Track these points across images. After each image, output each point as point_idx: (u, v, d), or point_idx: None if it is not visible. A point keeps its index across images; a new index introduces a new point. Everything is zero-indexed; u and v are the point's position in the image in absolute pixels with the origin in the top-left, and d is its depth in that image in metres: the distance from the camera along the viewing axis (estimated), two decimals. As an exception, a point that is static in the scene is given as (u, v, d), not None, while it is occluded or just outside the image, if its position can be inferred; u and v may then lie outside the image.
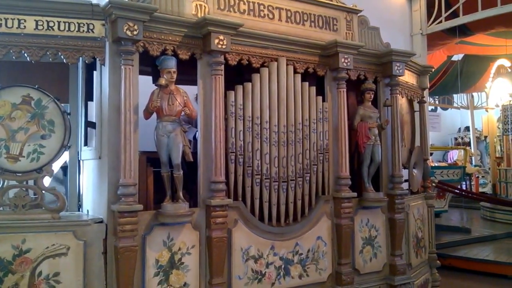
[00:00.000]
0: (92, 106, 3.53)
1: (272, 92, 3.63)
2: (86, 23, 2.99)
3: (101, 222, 3.00)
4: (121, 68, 2.97)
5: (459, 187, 10.49)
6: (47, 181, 3.16)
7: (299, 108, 3.74)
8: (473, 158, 16.14)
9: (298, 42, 3.78)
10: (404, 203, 4.33)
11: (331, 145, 3.94)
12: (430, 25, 8.36)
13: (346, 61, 3.87)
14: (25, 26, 2.86)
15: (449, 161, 16.57)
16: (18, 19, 2.84)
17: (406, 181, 4.67)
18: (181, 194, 3.15)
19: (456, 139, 19.59)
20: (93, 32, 3.00)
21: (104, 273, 2.94)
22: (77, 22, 2.97)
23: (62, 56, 2.95)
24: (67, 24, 2.94)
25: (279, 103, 3.65)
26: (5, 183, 2.88)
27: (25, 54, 2.87)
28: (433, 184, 7.25)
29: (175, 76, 3.17)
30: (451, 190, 9.40)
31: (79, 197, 3.74)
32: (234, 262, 3.37)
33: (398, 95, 4.38)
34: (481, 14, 7.66)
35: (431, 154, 10.32)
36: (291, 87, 3.72)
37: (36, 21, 2.88)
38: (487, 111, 13.66)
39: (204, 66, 3.34)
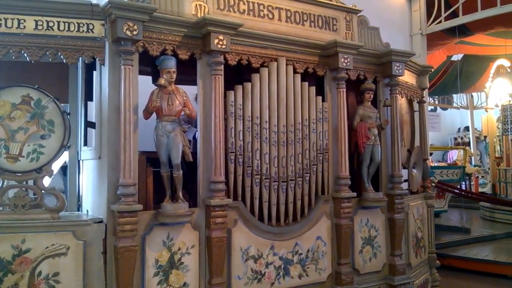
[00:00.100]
0: (92, 106, 3.53)
1: (271, 92, 3.63)
2: (86, 23, 2.99)
3: (101, 222, 3.00)
4: (121, 68, 2.97)
5: (458, 187, 10.49)
6: (47, 181, 3.16)
7: (298, 108, 3.75)
8: (472, 158, 16.15)
9: (297, 42, 3.78)
10: (403, 203, 4.33)
11: (331, 145, 3.94)
12: (430, 25, 8.37)
13: (345, 61, 3.87)
14: (24, 26, 2.86)
15: (448, 161, 16.58)
16: (17, 19, 2.84)
17: (405, 181, 4.67)
18: (180, 194, 3.15)
19: (455, 139, 19.61)
20: (92, 32, 3.00)
21: (103, 273, 2.94)
22: (77, 22, 2.97)
23: (61, 56, 2.95)
24: (66, 24, 2.94)
25: (279, 103, 3.65)
26: (5, 183, 2.88)
27: (25, 54, 2.87)
28: (433, 184, 7.25)
29: (174, 76, 3.17)
30: (451, 190, 9.41)
31: (79, 197, 3.74)
32: (233, 262, 3.37)
33: (398, 95, 4.38)
34: (481, 14, 7.66)
35: (431, 154, 10.32)
36: (290, 87, 3.72)
37: (36, 21, 2.88)
38: (486, 111, 13.66)
39: (204, 66, 3.34)
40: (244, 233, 3.43)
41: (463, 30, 9.06)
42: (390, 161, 4.33)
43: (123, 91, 2.95)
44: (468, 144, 17.23)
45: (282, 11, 3.79)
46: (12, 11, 2.83)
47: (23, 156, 2.86)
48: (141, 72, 3.28)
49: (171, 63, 3.14)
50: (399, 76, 4.32)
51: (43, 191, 2.94)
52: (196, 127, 3.54)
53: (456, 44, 10.68)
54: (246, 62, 3.54)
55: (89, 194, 3.41)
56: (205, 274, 3.26)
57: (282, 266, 3.60)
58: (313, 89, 3.87)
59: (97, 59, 3.05)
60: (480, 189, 14.42)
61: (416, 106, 5.30)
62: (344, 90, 3.96)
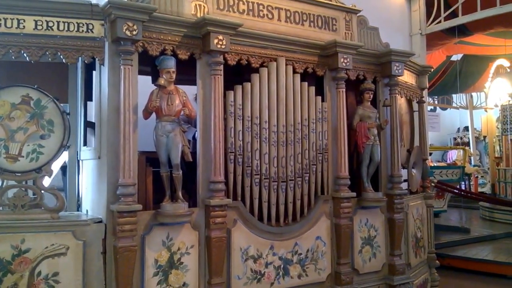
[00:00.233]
0: (92, 106, 3.53)
1: (271, 92, 3.63)
2: (86, 23, 2.99)
3: (100, 222, 3.00)
4: (121, 68, 2.97)
5: (458, 187, 10.49)
6: (46, 181, 3.16)
7: (298, 108, 3.75)
8: (472, 158, 16.15)
9: (297, 42, 3.78)
10: (403, 203, 4.33)
11: (330, 145, 3.94)
12: (429, 25, 8.37)
13: (345, 61, 3.87)
14: (24, 26, 2.85)
15: (448, 161, 16.57)
16: (17, 19, 2.84)
17: (405, 181, 4.67)
18: (180, 194, 3.15)
19: (455, 139, 19.62)
20: (92, 32, 3.00)
21: (103, 273, 2.94)
22: (76, 22, 2.97)
23: (61, 56, 2.95)
24: (66, 24, 2.94)
25: (278, 103, 3.65)
26: (4, 183, 2.88)
27: (25, 54, 2.87)
28: (432, 184, 7.25)
29: (174, 76, 3.17)
30: (450, 190, 9.41)
31: (78, 197, 3.74)
32: (233, 262, 3.37)
33: (397, 95, 4.38)
34: (480, 14, 7.67)
35: (430, 154, 10.32)
36: (290, 87, 3.72)
37: (36, 21, 2.88)
38: (486, 111, 13.67)
39: (204, 66, 3.34)
40: (243, 233, 3.43)
41: (463, 30, 9.07)
42: (390, 161, 4.33)
43: (123, 91, 2.95)
44: (468, 144, 17.24)
45: (281, 11, 3.79)
46: (11, 11, 2.83)
47: (23, 156, 2.86)
48: (141, 72, 3.28)
49: (171, 63, 3.14)
50: (399, 76, 4.32)
51: (42, 191, 2.93)
52: (195, 127, 3.53)
53: (455, 44, 10.70)
54: (246, 62, 3.54)
55: (89, 194, 3.41)
56: (204, 274, 3.26)
57: (282, 266, 3.60)
58: (312, 89, 3.87)
59: (96, 59, 3.05)
60: (480, 189, 14.42)
61: (415, 106, 5.30)
62: (344, 90, 3.97)
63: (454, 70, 12.59)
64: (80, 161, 3.70)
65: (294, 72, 3.77)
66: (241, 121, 3.48)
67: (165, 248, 3.10)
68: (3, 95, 2.86)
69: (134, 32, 2.92)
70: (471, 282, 6.17)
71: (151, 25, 3.09)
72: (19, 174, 2.89)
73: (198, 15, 3.35)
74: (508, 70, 13.42)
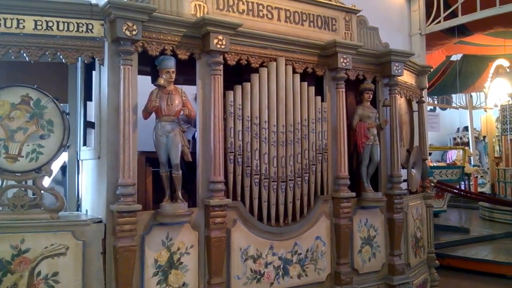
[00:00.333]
0: (91, 106, 3.52)
1: (271, 92, 3.63)
2: (85, 23, 2.99)
3: (100, 222, 3.00)
4: (120, 68, 2.97)
5: (457, 187, 10.49)
6: (46, 181, 3.16)
7: (298, 108, 3.75)
8: (471, 158, 16.16)
9: (297, 42, 3.78)
10: (402, 203, 4.33)
11: (330, 145, 3.94)
12: (429, 25, 8.38)
13: (345, 61, 3.87)
14: (24, 26, 2.86)
15: (448, 161, 16.57)
16: (17, 19, 2.84)
17: (405, 181, 4.67)
18: (180, 194, 3.15)
19: (455, 139, 19.62)
20: (92, 32, 3.00)
21: (103, 273, 2.94)
22: (76, 22, 2.97)
23: (61, 56, 2.95)
24: (66, 24, 2.94)
25: (278, 103, 3.65)
26: (4, 183, 2.88)
27: (24, 54, 2.87)
28: (432, 184, 7.24)
29: (174, 76, 3.17)
30: (450, 190, 9.41)
31: (78, 197, 3.74)
32: (233, 262, 3.37)
33: (397, 95, 4.39)
34: (480, 14, 7.68)
35: (430, 154, 10.34)
36: (290, 87, 3.72)
37: (35, 21, 2.88)
38: (485, 111, 13.67)
39: (203, 66, 3.34)
40: (243, 233, 3.43)
41: (462, 30, 9.08)
42: (389, 161, 4.33)
43: (123, 91, 2.95)
44: (467, 144, 17.26)
45: (281, 11, 3.79)
46: (11, 11, 2.83)
47: (22, 156, 2.86)
48: (141, 72, 3.28)
49: (171, 63, 3.14)
50: (398, 76, 4.32)
51: (42, 191, 2.93)
52: (195, 127, 3.53)
53: (455, 44, 10.70)
54: (246, 62, 3.54)
55: (89, 194, 3.41)
56: (204, 274, 3.26)
57: (282, 266, 3.60)
58: (312, 89, 3.87)
59: (96, 59, 3.05)
60: (479, 189, 14.43)
61: (415, 106, 5.31)
62: (343, 90, 3.97)
63: (454, 70, 12.60)
64: (80, 161, 3.70)
65: (294, 72, 3.77)
66: (240, 121, 3.48)
67: (164, 248, 3.10)
68: (3, 95, 2.86)
69: (134, 32, 2.92)
70: (471, 282, 6.17)
71: (151, 25, 3.09)
72: (19, 174, 2.89)
73: (198, 15, 3.35)
74: (508, 70, 13.42)
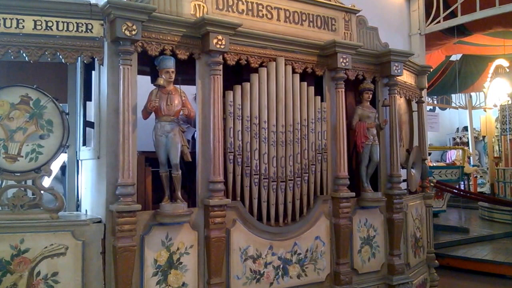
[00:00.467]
0: (91, 106, 3.52)
1: (270, 92, 3.63)
2: (85, 23, 2.99)
3: (100, 222, 3.00)
4: (120, 68, 2.97)
5: (457, 187, 10.50)
6: (46, 181, 3.16)
7: (297, 108, 3.75)
8: (471, 158, 16.16)
9: (296, 42, 3.78)
10: (402, 203, 4.33)
11: (330, 145, 3.94)
12: (429, 25, 8.38)
13: (344, 61, 3.88)
14: (23, 26, 2.85)
15: (447, 161, 16.55)
16: (16, 19, 2.84)
17: (404, 181, 4.68)
18: (179, 194, 3.15)
19: (454, 139, 19.62)
20: (91, 32, 3.00)
21: (102, 273, 2.94)
22: (76, 22, 2.97)
23: (60, 56, 2.95)
24: (65, 24, 2.94)
25: (278, 103, 3.65)
26: (4, 183, 2.88)
27: (24, 54, 2.87)
28: (432, 184, 7.26)
29: (173, 76, 3.17)
30: (450, 190, 9.41)
31: (78, 197, 3.74)
32: (232, 262, 3.37)
33: (397, 95, 4.39)
34: (479, 14, 7.68)
35: (430, 154, 10.34)
36: (289, 87, 3.72)
37: (35, 21, 2.88)
38: (485, 111, 13.69)
39: (203, 66, 3.34)
40: (243, 233, 3.43)
41: (462, 30, 9.08)
42: (389, 161, 4.33)
43: (122, 91, 2.95)
44: (467, 144, 17.26)
45: (281, 11, 3.79)
46: (11, 11, 2.83)
47: (22, 156, 2.86)
48: (140, 72, 3.28)
49: (170, 63, 3.14)
50: (398, 76, 4.32)
51: (42, 191, 2.93)
52: (195, 127, 3.54)
53: (454, 44, 10.70)
54: (245, 62, 3.54)
55: (88, 194, 3.41)
56: (204, 274, 3.26)
57: (281, 266, 3.60)
58: (312, 89, 3.87)
59: (96, 59, 3.05)
60: (479, 189, 14.43)
61: (414, 106, 5.31)
62: (343, 90, 3.97)
63: (453, 70, 12.61)
64: (79, 161, 3.70)
65: (294, 72, 3.77)
66: (240, 121, 3.48)
67: (164, 248, 3.10)
68: (2, 95, 2.86)
69: (134, 32, 2.92)
70: (470, 282, 6.17)
71: (151, 25, 3.09)
72: (18, 174, 2.89)
73: (198, 15, 3.35)
74: (507, 70, 13.41)
